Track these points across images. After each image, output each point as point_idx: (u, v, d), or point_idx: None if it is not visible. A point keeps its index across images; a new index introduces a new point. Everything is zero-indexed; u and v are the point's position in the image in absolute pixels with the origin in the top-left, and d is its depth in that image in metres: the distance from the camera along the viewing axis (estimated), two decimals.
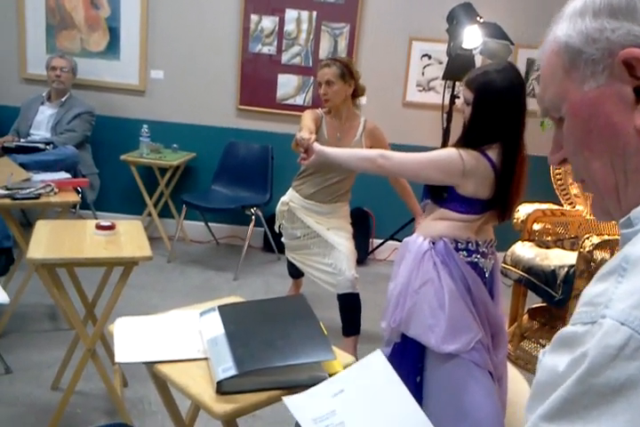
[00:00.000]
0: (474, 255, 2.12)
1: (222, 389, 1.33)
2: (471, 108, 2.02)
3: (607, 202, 0.65)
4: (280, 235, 3.27)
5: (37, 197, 2.76)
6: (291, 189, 3.13)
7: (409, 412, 1.06)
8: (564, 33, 0.63)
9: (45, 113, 4.03)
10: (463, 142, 2.05)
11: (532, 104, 4.61)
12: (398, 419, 1.03)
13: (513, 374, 2.66)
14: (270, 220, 3.83)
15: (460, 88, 2.07)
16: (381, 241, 4.40)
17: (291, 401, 0.97)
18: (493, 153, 2.02)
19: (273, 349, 1.40)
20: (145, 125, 4.21)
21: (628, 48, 0.57)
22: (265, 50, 4.32)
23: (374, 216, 4.49)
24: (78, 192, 3.40)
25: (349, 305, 2.94)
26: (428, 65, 4.29)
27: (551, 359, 0.53)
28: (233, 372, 1.32)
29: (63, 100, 4.05)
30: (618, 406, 0.45)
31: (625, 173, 0.61)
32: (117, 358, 1.45)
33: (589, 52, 0.61)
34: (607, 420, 0.46)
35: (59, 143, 3.77)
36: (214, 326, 1.51)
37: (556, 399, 0.49)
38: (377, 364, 1.10)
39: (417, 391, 2.19)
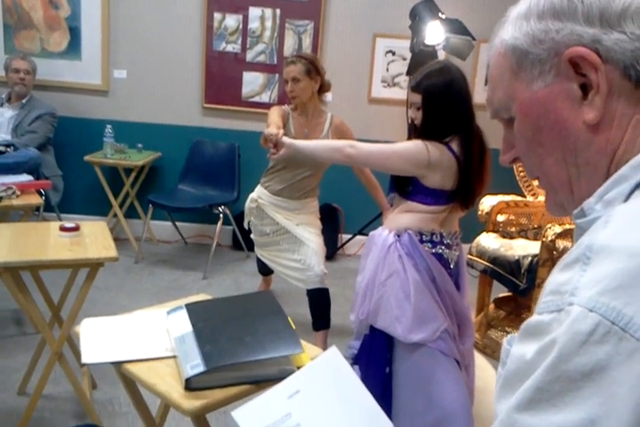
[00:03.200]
0: (438, 247, 2.16)
1: (191, 385, 1.34)
2: (422, 110, 2.08)
3: (561, 196, 0.67)
4: (249, 232, 3.26)
5: None
6: (259, 185, 3.13)
7: (366, 409, 1.06)
8: (511, 35, 0.66)
9: (5, 115, 3.95)
10: (424, 138, 2.10)
11: None
12: (356, 416, 1.04)
13: (480, 362, 2.71)
14: (239, 218, 3.83)
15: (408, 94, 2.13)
16: (350, 236, 4.43)
17: (239, 414, 0.95)
18: (455, 145, 2.08)
19: (241, 344, 1.40)
20: (108, 126, 4.16)
21: (572, 47, 0.60)
22: (229, 48, 4.30)
23: (343, 212, 4.52)
24: (41, 194, 3.35)
25: (319, 300, 2.95)
26: (393, 61, 4.32)
27: (518, 349, 0.53)
28: (201, 368, 1.33)
29: (24, 101, 3.97)
30: (588, 390, 0.46)
31: (577, 166, 0.63)
32: (84, 359, 1.44)
33: (536, 52, 0.63)
34: (579, 404, 0.46)
35: (20, 145, 3.70)
36: (182, 324, 1.51)
37: (527, 389, 0.49)
38: (333, 361, 1.10)
39: (386, 382, 2.22)
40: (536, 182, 3.50)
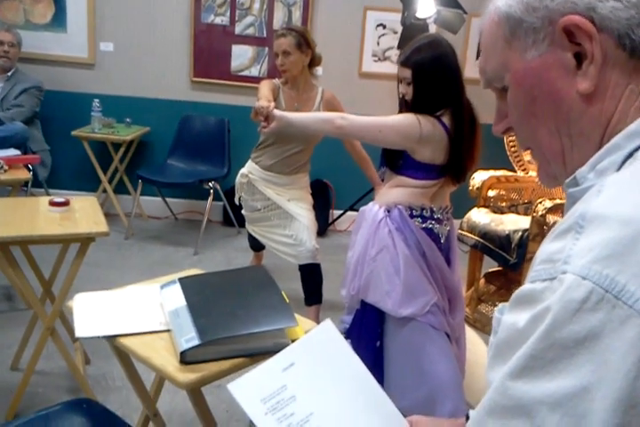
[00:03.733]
0: (428, 222, 2.17)
1: (186, 359, 1.34)
2: (413, 85, 2.06)
3: (554, 167, 0.67)
4: (240, 208, 3.25)
5: None
6: (250, 160, 3.11)
7: (361, 381, 1.07)
8: (504, 3, 0.65)
9: None
10: (416, 112, 2.09)
11: None
12: (351, 389, 1.04)
13: (471, 335, 2.74)
14: (229, 193, 3.81)
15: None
16: (341, 212, 4.43)
17: (235, 387, 0.95)
18: (446, 119, 2.08)
19: (235, 318, 1.41)
20: (96, 100, 4.09)
21: (567, 15, 0.59)
22: (218, 20, 4.23)
23: (333, 187, 4.51)
24: (29, 169, 3.31)
25: (311, 275, 2.96)
26: (383, 35, 4.27)
27: (510, 317, 0.54)
28: (196, 342, 1.33)
29: (9, 74, 3.90)
30: (582, 357, 0.47)
31: (570, 137, 0.63)
32: (77, 333, 1.44)
33: (530, 20, 0.62)
34: (572, 371, 0.47)
35: (6, 119, 3.64)
36: (175, 298, 1.51)
37: (521, 357, 0.50)
38: (327, 333, 1.10)
39: (377, 356, 2.24)
40: (528, 157, 3.51)
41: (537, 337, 0.49)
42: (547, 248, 0.54)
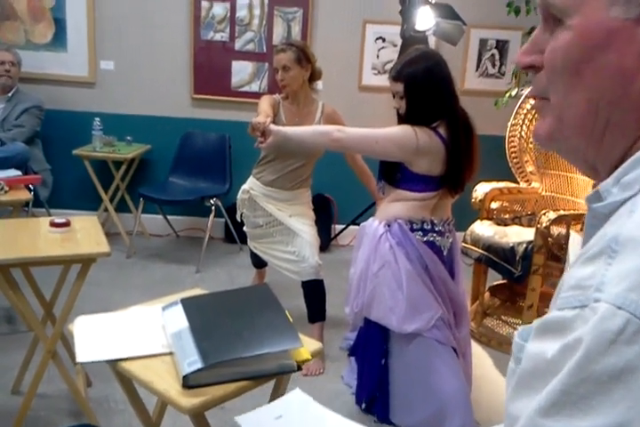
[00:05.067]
0: (430, 234, 2.15)
1: (189, 383, 1.31)
2: (405, 99, 2.06)
3: (566, 132, 0.59)
4: (241, 225, 3.23)
5: None
6: (251, 176, 3.09)
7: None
8: None
9: None
10: (411, 124, 2.08)
11: (485, 84, 4.64)
12: None
13: (477, 350, 2.71)
14: (231, 210, 3.79)
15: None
16: (343, 227, 4.41)
17: (244, 420, 0.97)
18: (442, 130, 2.07)
19: (239, 340, 1.38)
20: (97, 118, 4.10)
21: None
22: (217, 37, 4.24)
23: (335, 202, 4.49)
24: (30, 190, 3.30)
25: (314, 292, 2.93)
26: (383, 48, 4.28)
27: (536, 346, 0.51)
28: (199, 365, 1.30)
29: (10, 94, 3.90)
30: (617, 393, 0.44)
31: (607, 122, 0.56)
32: (79, 358, 1.42)
33: None
34: (607, 408, 0.44)
35: (7, 140, 3.64)
36: (178, 319, 1.48)
37: (551, 392, 0.46)
38: (299, 399, 1.14)
39: (383, 374, 2.21)
40: (530, 168, 3.48)
41: (569, 370, 0.45)
42: (576, 273, 0.50)
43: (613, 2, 0.53)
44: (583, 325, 0.46)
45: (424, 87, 2.05)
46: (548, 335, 0.50)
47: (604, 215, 0.55)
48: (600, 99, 0.55)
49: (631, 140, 0.56)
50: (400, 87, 2.07)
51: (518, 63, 0.62)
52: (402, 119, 2.14)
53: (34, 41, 4.24)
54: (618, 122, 0.56)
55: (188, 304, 1.54)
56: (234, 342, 1.38)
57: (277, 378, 1.49)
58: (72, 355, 2.37)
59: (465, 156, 2.11)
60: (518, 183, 3.57)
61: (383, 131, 2.08)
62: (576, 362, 0.45)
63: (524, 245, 2.97)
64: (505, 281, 3.40)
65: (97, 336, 1.50)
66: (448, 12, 3.69)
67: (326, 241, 4.31)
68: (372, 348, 2.24)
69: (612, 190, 0.54)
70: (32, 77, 4.20)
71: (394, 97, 2.13)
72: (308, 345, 1.45)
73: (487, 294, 3.44)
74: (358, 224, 2.34)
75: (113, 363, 1.42)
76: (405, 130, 2.05)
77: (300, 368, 1.40)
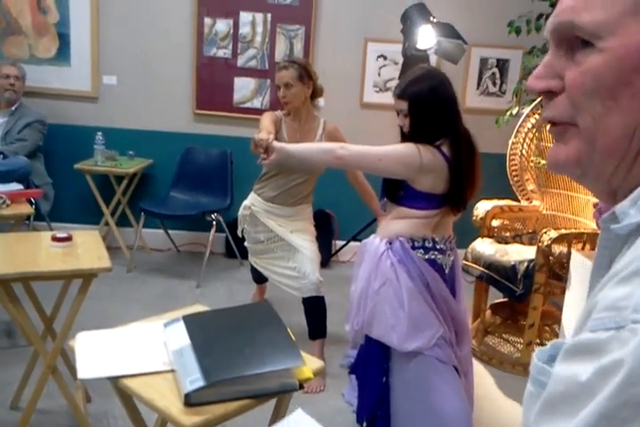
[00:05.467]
0: (431, 252, 2.14)
1: (190, 401, 1.30)
2: (409, 117, 2.07)
3: (595, 158, 0.57)
4: (242, 240, 3.23)
5: None
6: (252, 192, 3.10)
7: None
8: None
9: None
10: (415, 142, 2.09)
11: (486, 102, 4.67)
12: None
13: (479, 368, 2.69)
14: (232, 225, 3.79)
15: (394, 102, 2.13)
16: (344, 243, 4.40)
17: None
18: (445, 148, 2.08)
19: (241, 358, 1.38)
20: (99, 133, 4.12)
21: None
22: (220, 53, 4.28)
23: (336, 218, 4.49)
24: (31, 203, 3.30)
25: (315, 308, 2.93)
26: (384, 66, 4.31)
27: (567, 369, 0.49)
28: (201, 383, 1.30)
29: (13, 108, 3.93)
30: None
31: None
32: (80, 375, 1.41)
33: None
34: None
35: (9, 153, 3.66)
36: (179, 336, 1.48)
37: (589, 416, 0.45)
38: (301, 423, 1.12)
39: (384, 392, 2.20)
40: (531, 186, 3.49)
41: (609, 394, 0.44)
42: (610, 294, 0.49)
43: None
44: (620, 346, 0.45)
45: (428, 106, 2.06)
46: (579, 358, 0.49)
47: (620, 237, 0.55)
48: (636, 123, 0.54)
49: None
50: (404, 105, 2.08)
51: (532, 88, 0.60)
52: (405, 137, 2.15)
53: (38, 55, 4.28)
54: None
55: (189, 321, 1.54)
56: (236, 360, 1.37)
57: (279, 397, 1.48)
58: (72, 370, 2.36)
59: (467, 174, 2.11)
60: (519, 201, 3.58)
61: (386, 148, 2.09)
62: (617, 385, 0.44)
63: (526, 264, 2.97)
64: (506, 299, 3.40)
65: (98, 353, 1.49)
66: (449, 31, 3.73)
67: (327, 257, 4.31)
68: (373, 366, 2.23)
69: (630, 212, 0.54)
70: (35, 91, 4.22)
71: (398, 115, 2.14)
72: (310, 363, 1.45)
73: (488, 312, 3.43)
74: (359, 240, 2.35)
75: (114, 380, 1.42)
76: (409, 148, 2.05)
77: (302, 387, 1.39)
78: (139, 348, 1.53)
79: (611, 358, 0.45)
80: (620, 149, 0.55)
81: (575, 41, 0.56)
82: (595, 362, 0.46)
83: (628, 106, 0.53)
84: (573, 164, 0.59)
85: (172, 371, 1.42)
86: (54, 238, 2.21)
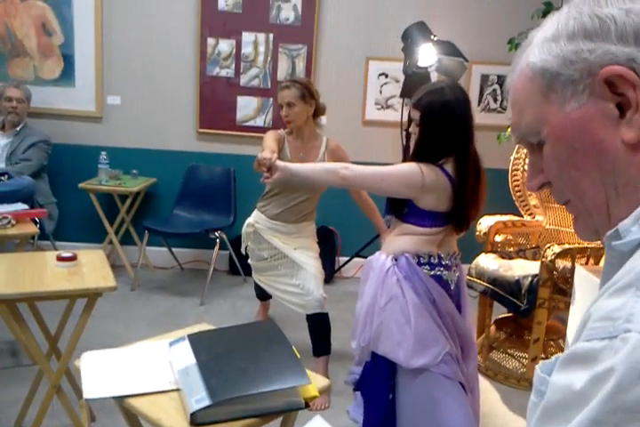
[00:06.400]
0: (437, 269, 2.15)
1: (197, 420, 1.31)
2: (420, 127, 2.08)
3: (596, 219, 0.65)
4: (246, 257, 3.24)
5: None
6: (256, 210, 3.12)
7: None
8: (539, 58, 0.64)
9: None
10: (418, 159, 2.10)
11: (487, 118, 4.70)
12: None
13: (484, 384, 2.67)
14: (236, 242, 3.81)
15: (409, 110, 2.15)
16: (347, 259, 4.41)
17: None
18: (449, 167, 2.08)
19: (246, 376, 1.38)
20: (103, 152, 4.15)
21: (607, 66, 0.59)
22: (223, 73, 4.32)
23: (339, 234, 4.50)
24: (36, 223, 3.32)
25: (319, 325, 2.92)
26: (386, 83, 4.35)
27: (563, 377, 0.51)
28: (207, 402, 1.30)
29: (18, 129, 3.97)
30: None
31: (616, 188, 0.62)
32: (86, 395, 1.41)
33: (567, 73, 0.62)
34: None
35: (14, 173, 3.68)
36: (185, 355, 1.48)
37: (582, 421, 0.47)
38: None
39: (390, 409, 2.19)
40: (534, 201, 3.50)
41: (600, 400, 0.46)
42: (604, 305, 0.52)
43: (564, 101, 0.62)
44: (612, 355, 0.47)
45: (438, 119, 2.06)
46: (575, 366, 0.50)
47: (623, 253, 0.58)
48: (600, 175, 0.62)
49: None
50: (417, 115, 2.09)
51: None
52: (407, 153, 2.17)
53: (42, 77, 4.33)
54: (625, 183, 0.61)
55: (194, 340, 1.54)
56: (241, 378, 1.37)
57: (284, 415, 1.48)
58: (76, 389, 2.36)
59: (471, 195, 2.11)
60: (522, 216, 3.59)
61: (389, 169, 2.09)
62: (608, 391, 0.46)
63: (530, 279, 2.96)
64: (510, 314, 3.39)
65: (104, 372, 1.50)
66: (450, 49, 3.77)
67: (330, 273, 4.31)
68: (379, 382, 2.22)
69: (632, 229, 0.58)
70: (40, 112, 4.27)
71: (409, 124, 2.16)
72: (315, 381, 1.45)
73: (493, 328, 3.42)
74: (362, 256, 2.36)
75: (120, 399, 1.42)
76: (411, 167, 2.06)
77: (307, 405, 1.39)
78: (144, 367, 1.53)
79: (603, 367, 0.47)
80: (602, 200, 0.63)
81: (533, 142, 0.68)
82: (589, 370, 0.48)
83: (586, 167, 0.63)
84: (587, 231, 0.69)
85: (178, 390, 1.43)
86: (59, 258, 2.23)
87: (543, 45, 0.64)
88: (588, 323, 0.52)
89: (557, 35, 0.63)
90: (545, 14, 3.51)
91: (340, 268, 4.48)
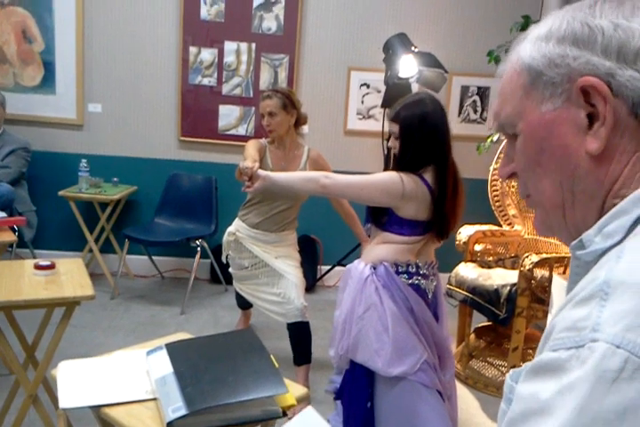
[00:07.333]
0: (415, 277, 2.17)
1: None
2: (400, 140, 2.11)
3: (552, 219, 0.68)
4: (227, 266, 3.24)
5: None
6: (237, 218, 3.12)
7: None
8: (528, 55, 0.66)
9: None
10: (398, 168, 2.13)
11: (467, 129, 4.75)
12: None
13: (463, 393, 2.69)
14: (217, 251, 3.80)
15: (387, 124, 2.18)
16: (329, 267, 4.42)
17: None
18: (428, 176, 2.11)
19: (223, 385, 1.38)
20: (84, 160, 4.12)
21: (585, 76, 0.60)
22: (205, 81, 4.33)
23: (321, 243, 4.51)
24: (15, 231, 3.29)
25: (299, 334, 2.92)
26: (367, 94, 4.39)
27: (528, 387, 0.51)
28: (183, 411, 1.30)
29: None
30: None
31: (573, 193, 0.64)
32: (62, 404, 1.40)
33: (550, 75, 0.63)
34: None
35: None
36: (162, 364, 1.48)
37: None
38: (310, 420, 1.10)
39: (368, 417, 2.19)
40: (512, 211, 3.54)
41: (574, 411, 0.46)
42: (568, 315, 0.52)
43: (542, 100, 0.64)
44: (579, 364, 0.48)
45: (417, 131, 2.10)
46: (541, 376, 0.51)
47: (587, 263, 0.60)
48: (559, 178, 0.64)
49: (600, 201, 0.63)
50: (396, 128, 2.12)
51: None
52: (388, 163, 2.19)
53: (23, 84, 4.30)
54: (581, 190, 0.63)
55: (172, 349, 1.54)
56: (219, 387, 1.37)
57: (262, 424, 1.48)
58: (54, 399, 2.33)
59: (451, 204, 2.14)
60: (501, 226, 3.63)
61: (369, 178, 2.12)
62: (580, 402, 0.46)
63: (508, 288, 2.99)
64: (490, 323, 3.41)
65: (80, 382, 1.49)
66: (430, 61, 3.82)
67: (312, 282, 4.31)
68: (358, 391, 2.23)
69: (595, 239, 0.59)
70: (20, 119, 4.24)
71: (389, 137, 2.19)
72: (293, 390, 1.45)
73: (472, 336, 3.44)
74: (344, 265, 2.36)
75: (96, 409, 1.41)
76: (391, 177, 2.09)
77: (285, 414, 1.39)
78: (121, 377, 1.52)
79: (572, 376, 0.48)
80: (558, 201, 0.66)
81: (509, 133, 0.70)
82: (556, 379, 0.49)
83: (549, 167, 0.65)
84: (543, 228, 0.71)
85: (155, 399, 1.42)
86: (37, 267, 2.21)
87: (535, 43, 0.66)
88: (553, 333, 0.53)
89: (549, 35, 0.64)
90: (524, 28, 3.57)
91: (322, 276, 4.48)
